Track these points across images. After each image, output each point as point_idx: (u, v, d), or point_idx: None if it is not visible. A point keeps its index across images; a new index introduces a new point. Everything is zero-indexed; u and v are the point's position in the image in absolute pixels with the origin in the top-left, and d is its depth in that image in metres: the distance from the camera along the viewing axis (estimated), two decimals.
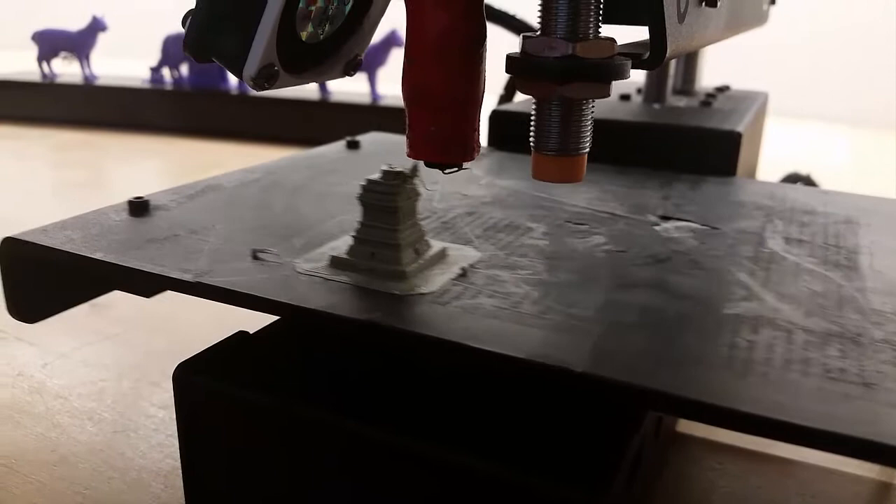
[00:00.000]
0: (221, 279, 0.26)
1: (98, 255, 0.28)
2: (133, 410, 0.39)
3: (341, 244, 0.29)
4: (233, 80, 1.17)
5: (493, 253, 0.29)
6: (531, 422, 0.24)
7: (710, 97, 0.57)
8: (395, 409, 0.24)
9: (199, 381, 0.27)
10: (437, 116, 0.24)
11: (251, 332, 0.30)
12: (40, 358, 0.44)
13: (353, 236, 0.27)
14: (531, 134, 0.24)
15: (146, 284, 0.29)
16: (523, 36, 0.22)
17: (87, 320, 0.49)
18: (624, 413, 0.24)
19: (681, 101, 0.57)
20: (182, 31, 0.25)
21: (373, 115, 1.08)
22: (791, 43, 1.42)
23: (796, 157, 1.02)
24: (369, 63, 1.07)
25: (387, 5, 0.28)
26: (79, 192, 0.85)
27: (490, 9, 0.68)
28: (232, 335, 0.29)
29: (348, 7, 0.26)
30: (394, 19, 0.28)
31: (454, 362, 0.23)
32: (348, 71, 0.29)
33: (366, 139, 0.49)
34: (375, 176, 0.27)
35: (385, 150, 0.48)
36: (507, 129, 0.49)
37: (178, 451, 0.28)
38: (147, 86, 1.17)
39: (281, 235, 0.31)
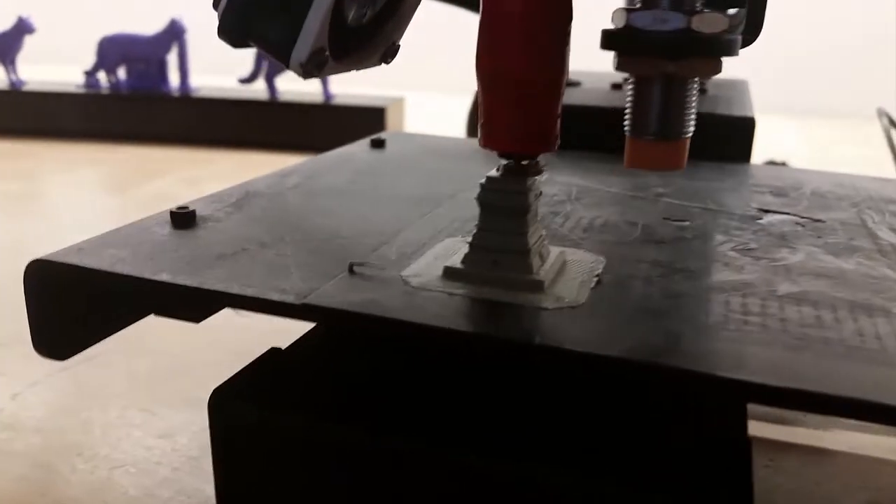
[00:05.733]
0: (333, 299, 0.22)
1: (164, 277, 0.24)
2: (127, 442, 0.35)
3: (440, 250, 0.26)
4: (174, 81, 1.11)
5: (612, 256, 0.27)
6: (609, 428, 0.22)
7: (702, 84, 0.57)
8: (447, 422, 0.22)
9: (238, 407, 0.24)
10: (520, 103, 0.21)
11: (280, 347, 0.27)
12: (8, 388, 0.39)
13: (470, 243, 0.24)
14: (626, 118, 0.21)
15: (217, 305, 0.25)
16: (625, 8, 0.20)
17: None
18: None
19: None
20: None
21: (325, 115, 1.05)
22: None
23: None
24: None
25: None
26: (17, 204, 0.79)
27: None
28: (264, 353, 0.27)
29: None
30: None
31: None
32: (385, 58, 0.27)
33: (389, 137, 0.46)
34: (495, 173, 0.23)
35: (414, 149, 0.44)
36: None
37: (214, 482, 0.25)
38: (81, 91, 1.11)
39: (364, 245, 0.27)
